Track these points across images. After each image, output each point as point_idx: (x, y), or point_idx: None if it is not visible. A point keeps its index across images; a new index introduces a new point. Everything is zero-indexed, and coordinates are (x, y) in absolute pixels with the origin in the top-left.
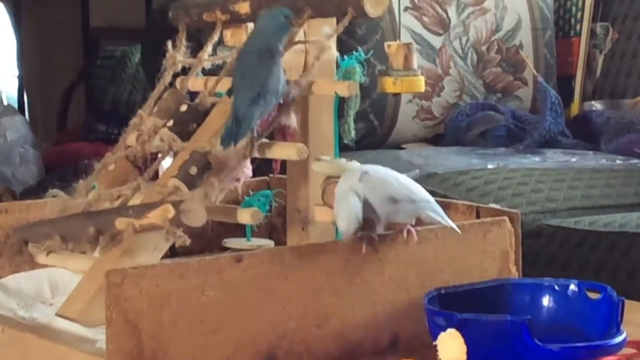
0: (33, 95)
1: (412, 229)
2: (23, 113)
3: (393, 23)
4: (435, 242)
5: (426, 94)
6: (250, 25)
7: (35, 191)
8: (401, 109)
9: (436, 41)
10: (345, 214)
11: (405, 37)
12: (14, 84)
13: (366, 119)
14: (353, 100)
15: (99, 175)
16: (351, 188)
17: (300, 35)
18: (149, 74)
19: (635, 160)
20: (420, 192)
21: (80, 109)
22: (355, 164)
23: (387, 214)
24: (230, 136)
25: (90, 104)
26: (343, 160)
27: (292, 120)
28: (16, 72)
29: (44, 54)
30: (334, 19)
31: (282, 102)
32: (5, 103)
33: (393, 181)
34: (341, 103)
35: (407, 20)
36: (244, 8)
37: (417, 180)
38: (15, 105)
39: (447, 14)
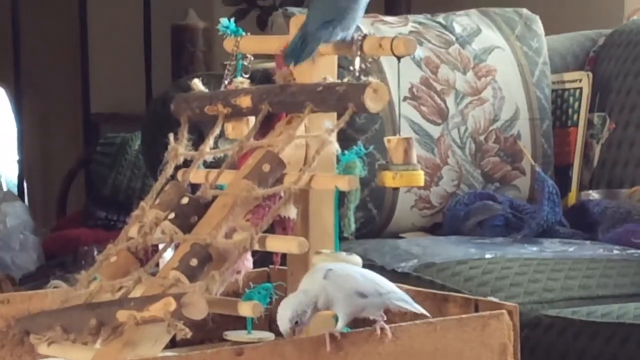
0: (33, 180)
1: (386, 326)
2: (22, 198)
3: (392, 113)
4: (434, 336)
5: (424, 184)
6: (252, 118)
7: (35, 277)
8: (400, 198)
9: (434, 131)
10: (283, 312)
11: (404, 127)
12: (14, 169)
13: (365, 208)
14: (353, 194)
15: (101, 266)
16: (306, 288)
17: (301, 130)
18: (149, 162)
19: (632, 250)
20: (385, 283)
21: (80, 195)
22: (355, 258)
23: (353, 309)
24: (294, 53)
25: (90, 190)
26: (343, 253)
27: (292, 212)
28: (16, 157)
29: (44, 139)
30: (335, 114)
31: (282, 194)
32: (4, 188)
33: (358, 276)
34: (341, 194)
35: (406, 110)
36: (245, 102)
37: (416, 269)
38: (15, 190)
39: (445, 103)
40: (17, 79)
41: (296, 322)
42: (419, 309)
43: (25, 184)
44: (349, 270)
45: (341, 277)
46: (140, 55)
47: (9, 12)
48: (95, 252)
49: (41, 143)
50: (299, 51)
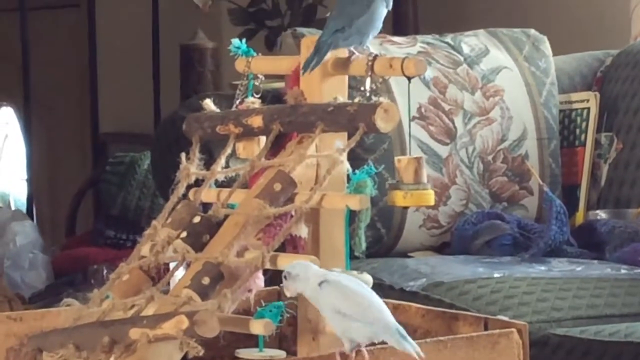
0: (42, 199)
1: (364, 350)
2: (32, 217)
3: (401, 133)
4: (445, 354)
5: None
6: (263, 138)
7: (44, 296)
8: (408, 218)
9: (443, 150)
10: None
11: (413, 147)
12: (23, 188)
13: (373, 227)
14: (364, 214)
15: (113, 284)
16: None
17: (312, 150)
18: (158, 181)
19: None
20: (377, 312)
21: (89, 214)
22: (366, 276)
23: (337, 328)
24: (307, 63)
25: (98, 209)
26: (354, 272)
27: (303, 231)
28: (25, 176)
29: (52, 158)
30: (345, 133)
31: (293, 213)
32: (13, 207)
33: (350, 297)
34: (352, 213)
35: (415, 130)
36: (256, 122)
37: (424, 288)
38: (24, 209)
39: (453, 123)
40: (26, 99)
41: None
42: (408, 348)
43: (34, 203)
44: (345, 289)
45: (332, 293)
46: (149, 74)
47: (18, 31)
48: (105, 271)
49: (50, 162)
50: (310, 61)
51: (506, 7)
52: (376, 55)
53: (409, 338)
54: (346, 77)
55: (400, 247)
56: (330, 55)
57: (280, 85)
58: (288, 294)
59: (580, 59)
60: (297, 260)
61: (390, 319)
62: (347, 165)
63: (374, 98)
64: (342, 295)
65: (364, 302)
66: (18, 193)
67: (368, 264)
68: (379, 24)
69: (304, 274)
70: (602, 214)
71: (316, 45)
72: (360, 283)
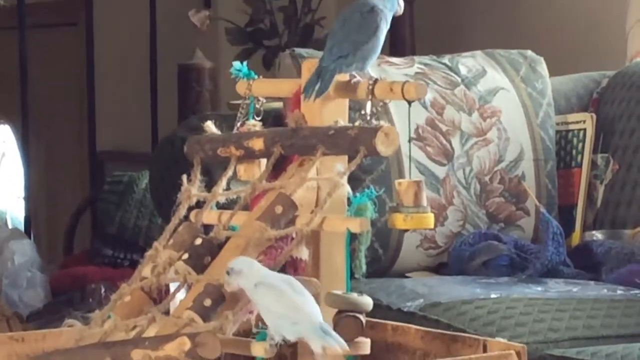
0: (39, 217)
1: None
2: (29, 234)
3: (398, 154)
4: None
5: None
6: (264, 161)
7: (42, 315)
8: (405, 238)
9: (440, 171)
10: None
11: (410, 168)
12: (20, 206)
13: (371, 247)
14: (364, 236)
15: (115, 305)
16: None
17: (312, 172)
18: (156, 201)
19: (636, 291)
20: (305, 314)
21: (86, 232)
22: (366, 299)
23: (272, 326)
24: (309, 87)
25: (96, 228)
26: (355, 294)
27: (304, 254)
28: (22, 194)
29: (50, 177)
30: (346, 157)
31: (294, 236)
32: (10, 225)
33: (281, 299)
34: (352, 235)
35: (412, 151)
36: (258, 144)
37: (422, 309)
38: (22, 227)
39: (450, 144)
40: (24, 117)
41: None
42: (330, 343)
43: (31, 222)
44: (277, 291)
45: (266, 294)
46: (147, 94)
47: (16, 49)
48: (103, 290)
49: (47, 180)
50: (313, 85)
51: (503, 28)
52: (377, 80)
53: (333, 334)
54: (347, 101)
55: (397, 268)
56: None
57: (278, 104)
58: (228, 289)
59: (576, 80)
60: None
61: (317, 318)
62: (347, 188)
63: (374, 122)
64: (274, 297)
65: (293, 304)
66: (15, 211)
67: (366, 284)
68: (380, 48)
69: (247, 271)
70: (598, 235)
71: (318, 70)
72: (295, 285)
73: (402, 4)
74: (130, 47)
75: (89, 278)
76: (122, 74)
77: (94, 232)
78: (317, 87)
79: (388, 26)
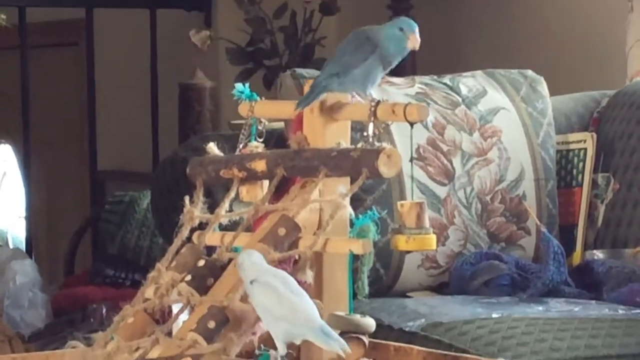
0: (40, 236)
1: None
2: (30, 254)
3: (400, 174)
4: None
5: None
6: (266, 182)
7: (44, 335)
8: (407, 258)
9: (441, 191)
10: None
11: (411, 187)
12: (21, 226)
13: (372, 267)
14: (367, 258)
15: (118, 327)
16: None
17: (315, 194)
18: (158, 220)
19: (637, 310)
20: (303, 314)
21: (87, 252)
22: (369, 320)
23: (271, 327)
24: (302, 99)
25: (97, 248)
26: (357, 315)
27: (309, 276)
28: (23, 214)
29: (51, 196)
30: (348, 178)
31: (297, 258)
32: (11, 245)
33: (278, 298)
34: (354, 257)
35: (413, 171)
36: (260, 166)
37: (423, 329)
38: (22, 246)
39: (451, 164)
40: (25, 137)
41: None
42: (332, 346)
43: (33, 241)
44: (274, 290)
45: (262, 293)
46: (148, 113)
47: (17, 69)
48: (104, 310)
49: (48, 200)
50: (306, 98)
51: (503, 47)
52: (379, 101)
53: (334, 335)
54: (349, 123)
55: (398, 287)
56: (330, 100)
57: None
58: None
59: (577, 100)
60: None
61: (316, 319)
62: (350, 210)
63: (376, 143)
64: (271, 296)
65: (290, 305)
66: (17, 231)
67: (367, 303)
68: (375, 79)
69: (246, 265)
70: (599, 254)
71: (311, 85)
72: (291, 285)
73: (415, 40)
74: (131, 67)
75: (90, 298)
76: (123, 93)
77: (95, 252)
78: (306, 100)
79: (384, 65)
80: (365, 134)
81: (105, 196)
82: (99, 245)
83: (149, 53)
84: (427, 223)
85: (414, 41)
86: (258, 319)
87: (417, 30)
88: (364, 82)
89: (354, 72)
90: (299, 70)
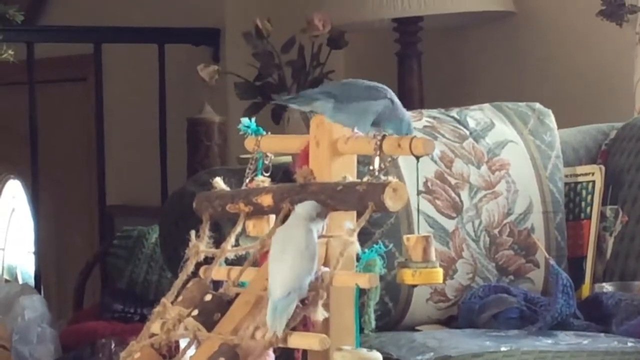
0: (49, 271)
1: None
2: (39, 289)
3: (407, 207)
4: None
5: None
6: (272, 216)
7: None
8: (415, 291)
9: (449, 224)
10: None
11: (419, 221)
12: (30, 261)
13: (381, 301)
14: (373, 292)
15: None
16: None
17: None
18: (166, 255)
19: None
20: (272, 286)
21: (96, 287)
22: (375, 354)
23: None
24: (287, 98)
25: (106, 283)
26: (364, 350)
27: (319, 314)
28: (32, 249)
29: (60, 231)
30: (354, 212)
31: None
32: (20, 280)
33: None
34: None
35: (421, 204)
36: (266, 200)
37: None
38: (31, 281)
39: (459, 197)
40: (34, 172)
41: None
42: (271, 324)
43: (41, 276)
44: (282, 256)
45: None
46: (156, 148)
47: (26, 104)
48: (113, 345)
49: (57, 235)
50: (292, 97)
51: (511, 80)
52: (384, 135)
53: (281, 317)
54: (355, 157)
55: (407, 321)
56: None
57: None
58: None
59: (585, 132)
60: (307, 339)
61: (275, 291)
62: (357, 246)
63: (382, 177)
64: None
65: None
66: (26, 266)
67: (376, 337)
68: (367, 123)
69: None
70: (608, 287)
71: (302, 92)
72: (286, 248)
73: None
74: (140, 102)
75: (99, 333)
76: (132, 128)
77: (104, 287)
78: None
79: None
80: (371, 168)
81: (114, 231)
82: (108, 280)
83: (157, 88)
84: (433, 257)
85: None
86: (264, 352)
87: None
88: (358, 117)
89: (353, 104)
90: None
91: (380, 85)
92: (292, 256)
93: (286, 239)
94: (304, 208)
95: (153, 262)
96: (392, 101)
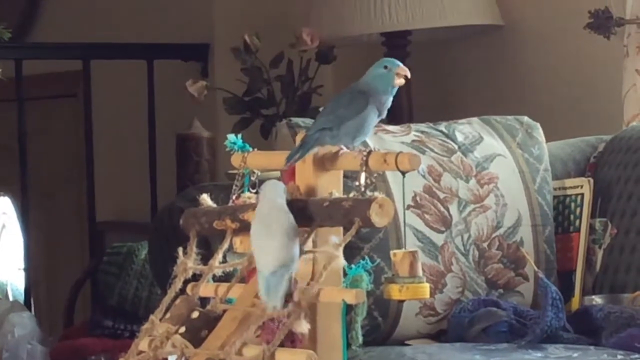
0: (39, 288)
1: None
2: (29, 306)
3: (396, 222)
4: None
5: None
6: None
7: None
8: (404, 306)
9: (438, 238)
10: None
11: (408, 235)
12: (20, 277)
13: (370, 315)
14: (360, 307)
15: None
16: None
17: (308, 244)
18: (155, 271)
19: (636, 355)
20: (262, 262)
21: (86, 303)
22: None
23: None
24: (291, 156)
25: (96, 300)
26: None
27: (304, 328)
28: (22, 266)
29: (50, 248)
30: (341, 228)
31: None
32: (11, 297)
33: (254, 237)
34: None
35: (410, 219)
36: (253, 217)
37: None
38: (22, 298)
39: (448, 211)
40: (24, 188)
41: None
42: (265, 299)
43: (32, 293)
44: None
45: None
46: (146, 163)
47: (14, 121)
48: None
49: (47, 251)
50: (294, 154)
51: (499, 94)
52: (370, 151)
53: (277, 294)
54: (341, 172)
55: (397, 335)
56: (322, 151)
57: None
58: None
59: (573, 145)
60: (294, 356)
61: (265, 269)
62: (343, 261)
63: (369, 193)
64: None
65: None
66: (16, 283)
67: (365, 352)
68: (369, 130)
69: (267, 194)
70: (597, 300)
71: (302, 139)
72: (272, 228)
73: (403, 71)
74: (129, 118)
75: (90, 350)
76: (121, 144)
77: (94, 304)
78: (297, 155)
79: (380, 112)
80: (357, 184)
81: (104, 247)
82: (98, 296)
83: (146, 104)
84: (420, 272)
85: (401, 72)
86: None
87: (401, 64)
88: (355, 134)
89: (347, 125)
90: (295, 120)
91: (356, 88)
92: (279, 232)
93: (269, 218)
94: (272, 189)
95: (143, 279)
96: (370, 94)
